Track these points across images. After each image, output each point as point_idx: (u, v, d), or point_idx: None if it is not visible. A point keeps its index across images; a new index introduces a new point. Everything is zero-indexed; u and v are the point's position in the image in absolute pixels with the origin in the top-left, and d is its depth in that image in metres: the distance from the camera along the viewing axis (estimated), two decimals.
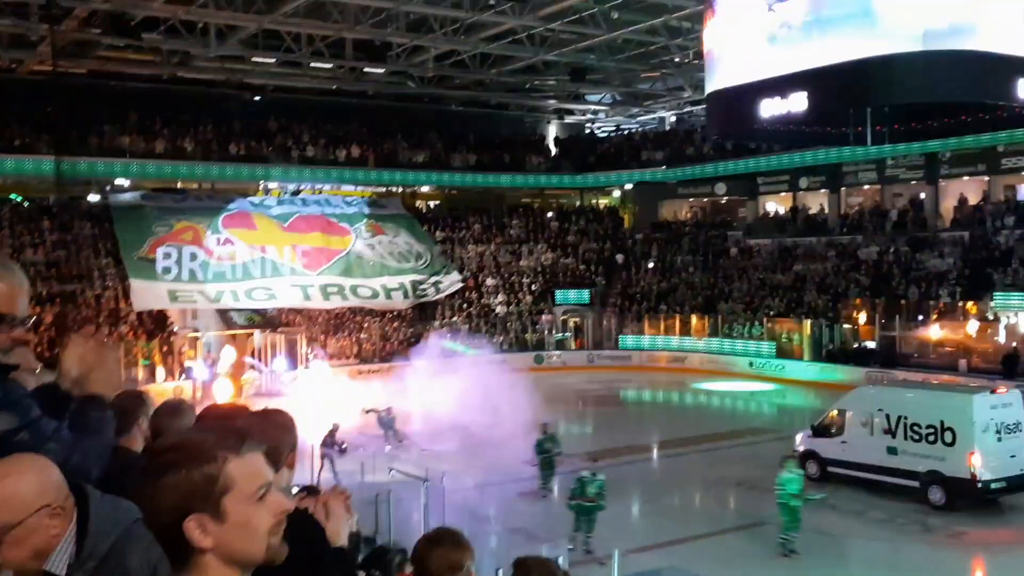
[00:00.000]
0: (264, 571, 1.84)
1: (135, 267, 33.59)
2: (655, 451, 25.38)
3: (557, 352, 40.92)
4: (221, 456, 1.76)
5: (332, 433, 20.71)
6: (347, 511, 3.10)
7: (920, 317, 33.61)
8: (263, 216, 37.34)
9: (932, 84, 18.77)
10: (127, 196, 38.35)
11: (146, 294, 32.87)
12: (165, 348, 33.33)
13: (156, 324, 34.41)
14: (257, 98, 41.57)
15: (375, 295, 35.89)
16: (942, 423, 18.06)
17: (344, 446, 20.83)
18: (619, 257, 46.01)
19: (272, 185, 43.04)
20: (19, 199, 38.36)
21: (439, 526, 4.13)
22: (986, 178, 37.49)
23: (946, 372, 29.52)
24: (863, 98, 19.79)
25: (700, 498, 20.71)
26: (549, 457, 19.71)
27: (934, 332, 32.73)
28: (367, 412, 24.76)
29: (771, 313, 37.75)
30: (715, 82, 19.96)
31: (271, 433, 2.76)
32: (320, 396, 27.86)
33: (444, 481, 15.98)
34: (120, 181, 39.97)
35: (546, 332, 41.69)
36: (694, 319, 39.86)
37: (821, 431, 20.52)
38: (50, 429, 2.57)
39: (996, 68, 17.89)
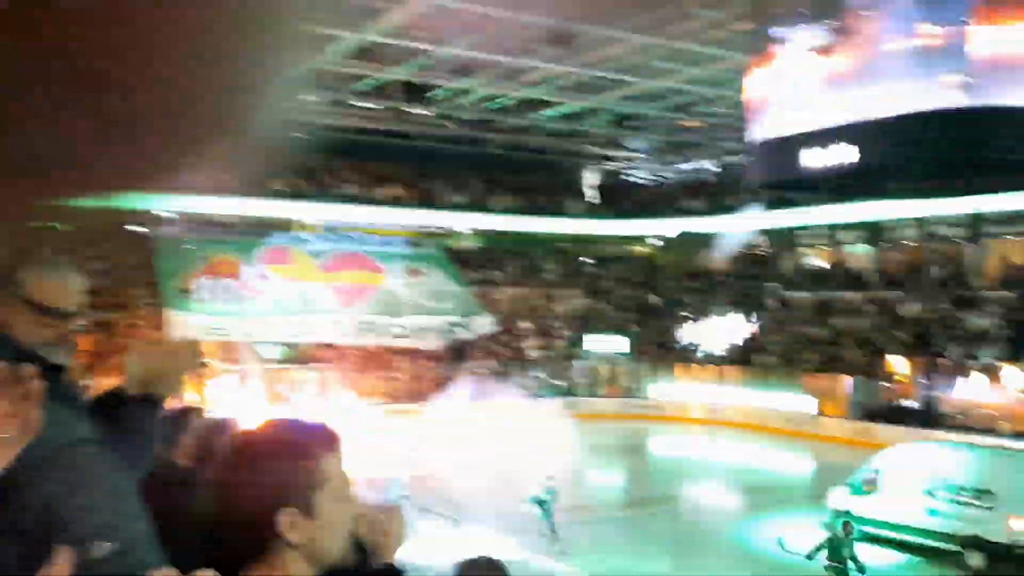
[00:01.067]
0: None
1: (172, 298, 33.90)
2: (681, 504, 24.90)
3: (588, 399, 40.53)
4: (318, 451, 1.78)
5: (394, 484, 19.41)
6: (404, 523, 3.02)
7: (961, 377, 32.91)
8: (301, 251, 37.62)
9: (978, 140, 18.53)
10: (167, 227, 38.86)
11: (181, 325, 33.08)
12: (196, 380, 33.40)
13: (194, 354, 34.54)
14: (298, 135, 41.97)
15: (408, 334, 35.89)
16: (983, 486, 17.58)
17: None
18: (651, 298, 45.79)
19: (311, 222, 43.39)
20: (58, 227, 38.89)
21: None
22: None
23: (987, 434, 28.78)
24: (909, 154, 19.56)
25: (739, 555, 20.20)
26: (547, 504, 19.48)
27: (976, 393, 32.02)
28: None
29: (808, 368, 37.15)
30: (760, 131, 19.83)
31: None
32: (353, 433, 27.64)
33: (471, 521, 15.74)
34: (162, 213, 40.47)
35: (579, 378, 41.38)
36: (729, 371, 39.32)
37: (857, 489, 20.04)
38: (96, 433, 2.47)
39: None
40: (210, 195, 39.38)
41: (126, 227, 40.45)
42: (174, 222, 39.23)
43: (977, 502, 17.60)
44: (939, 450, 20.47)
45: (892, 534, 19.00)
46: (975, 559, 17.50)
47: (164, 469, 3.44)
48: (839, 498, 20.32)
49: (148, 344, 2.85)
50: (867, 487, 19.82)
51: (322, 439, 1.80)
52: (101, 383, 3.13)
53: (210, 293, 34.42)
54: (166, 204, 39.57)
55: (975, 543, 17.47)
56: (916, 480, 18.77)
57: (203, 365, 33.90)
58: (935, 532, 18.10)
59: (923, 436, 28.45)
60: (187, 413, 3.88)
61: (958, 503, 17.87)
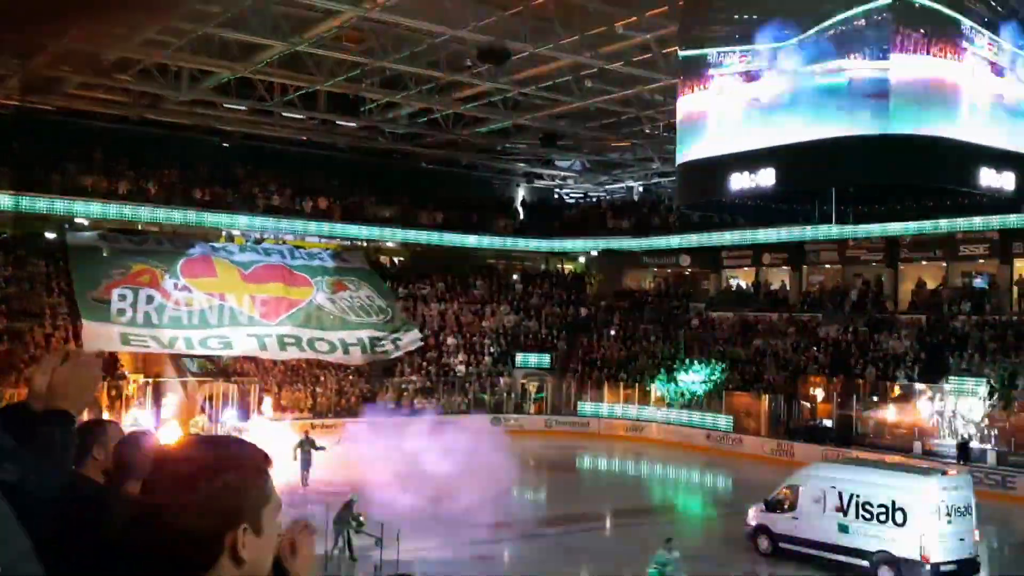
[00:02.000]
0: None
1: (88, 308, 32.96)
2: (608, 520, 25.01)
3: (515, 415, 40.53)
4: (265, 468, 1.75)
5: (349, 505, 18.75)
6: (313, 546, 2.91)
7: (876, 397, 33.80)
8: (224, 262, 36.96)
9: (896, 167, 19.05)
10: (85, 235, 37.74)
11: (98, 336, 32.18)
12: (113, 392, 32.49)
13: (105, 367, 33.59)
14: (225, 144, 41.36)
15: (333, 349, 35.48)
16: (894, 503, 18.02)
17: (361, 519, 18.69)
18: (583, 311, 46.22)
19: (235, 232, 42.61)
20: None
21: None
22: (944, 263, 38.14)
23: (901, 453, 29.57)
24: (828, 178, 20.04)
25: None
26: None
27: (890, 413, 32.90)
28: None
29: (730, 387, 37.76)
30: (686, 153, 20.14)
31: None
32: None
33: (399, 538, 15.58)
34: (80, 220, 39.34)
35: (505, 395, 41.35)
36: (654, 389, 39.73)
37: (773, 506, 20.38)
38: (7, 447, 2.35)
39: (960, 155, 18.21)
40: (132, 203, 38.51)
41: (41, 234, 39.23)
42: (92, 230, 38.12)
43: (888, 519, 18.02)
44: (852, 469, 20.93)
45: (807, 550, 19.36)
46: (885, 575, 17.90)
47: (78, 485, 3.30)
48: (755, 515, 20.64)
49: (54, 357, 2.74)
50: (783, 504, 20.17)
51: (263, 456, 1.76)
52: (7, 394, 3.02)
53: (129, 304, 33.60)
54: (84, 211, 38.49)
55: (886, 559, 17.88)
56: (829, 497, 19.17)
57: (116, 378, 33.03)
58: (848, 548, 18.50)
59: (840, 455, 29.12)
60: (99, 427, 3.75)
61: (869, 520, 18.29)
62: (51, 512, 2.07)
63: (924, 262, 38.91)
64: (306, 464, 25.32)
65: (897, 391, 33.49)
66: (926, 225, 33.80)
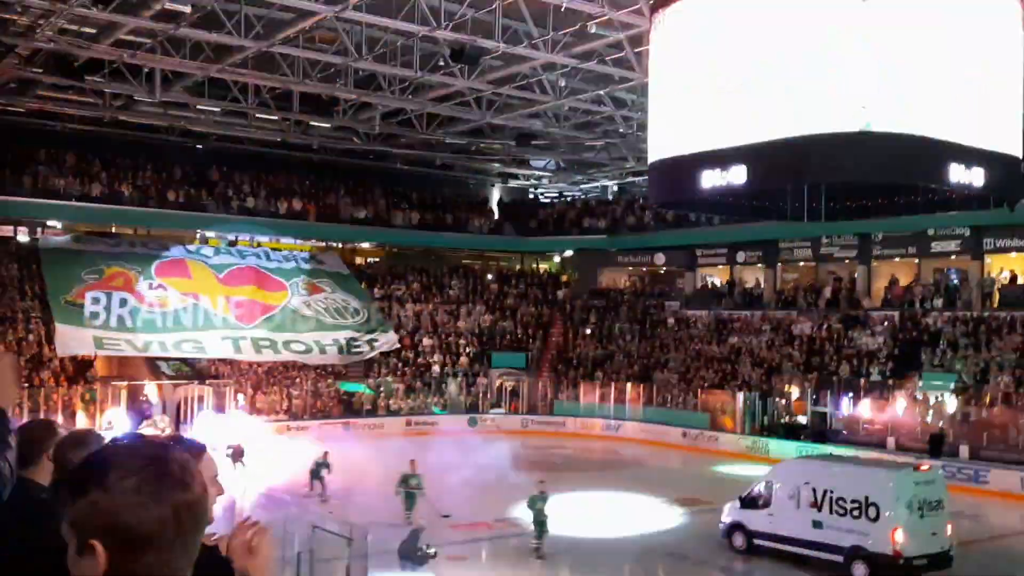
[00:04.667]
0: None
1: (62, 311, 32.70)
2: (578, 523, 25.03)
3: (491, 415, 40.56)
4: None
5: (415, 535, 17.81)
6: (271, 546, 2.87)
7: (850, 394, 34.07)
8: (198, 264, 36.78)
9: (866, 164, 19.19)
10: (58, 239, 37.49)
11: (71, 339, 31.96)
12: (87, 396, 32.25)
13: (78, 370, 33.36)
14: (199, 146, 41.13)
15: (308, 350, 35.38)
16: (866, 498, 18.15)
17: (433, 552, 17.56)
18: (560, 293, 46.52)
19: (210, 235, 42.42)
20: None
21: None
22: (916, 260, 38.50)
23: (875, 449, 29.83)
24: (799, 175, 20.15)
25: (629, 569, 20.41)
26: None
27: (864, 409, 33.18)
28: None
29: (706, 385, 37.97)
30: (657, 151, 20.21)
31: None
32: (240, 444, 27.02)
33: (369, 539, 15.55)
34: (53, 223, 39.03)
35: (481, 395, 41.39)
36: (629, 387, 39.87)
37: (748, 503, 20.48)
38: None
39: (929, 152, 18.35)
40: (105, 206, 38.22)
41: (13, 238, 38.88)
42: (65, 233, 37.84)
43: (861, 514, 18.16)
44: (825, 464, 21.09)
45: (781, 546, 19.48)
46: (859, 570, 18.05)
47: (26, 488, 3.28)
48: (730, 512, 20.75)
49: None
50: (758, 501, 20.29)
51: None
52: None
53: (103, 307, 33.36)
54: (57, 214, 38.19)
55: (860, 554, 18.03)
56: (803, 493, 19.30)
57: (88, 381, 32.76)
58: (822, 544, 18.63)
59: (813, 451, 29.35)
60: (50, 429, 3.71)
61: (843, 515, 18.43)
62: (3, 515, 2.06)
63: (897, 259, 39.27)
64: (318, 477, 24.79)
65: (871, 387, 33.77)
66: (898, 222, 34.07)
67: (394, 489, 21.39)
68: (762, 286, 43.04)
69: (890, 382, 33.44)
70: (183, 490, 1.60)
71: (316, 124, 37.40)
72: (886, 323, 36.47)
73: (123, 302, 33.87)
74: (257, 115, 36.14)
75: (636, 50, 25.46)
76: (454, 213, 48.17)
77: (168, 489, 1.58)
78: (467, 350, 43.07)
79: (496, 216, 51.44)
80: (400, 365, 40.94)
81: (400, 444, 31.23)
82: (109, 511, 1.55)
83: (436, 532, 19.46)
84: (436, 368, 41.63)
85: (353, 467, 25.28)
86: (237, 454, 25.63)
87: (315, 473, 24.50)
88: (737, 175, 18.04)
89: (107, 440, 3.71)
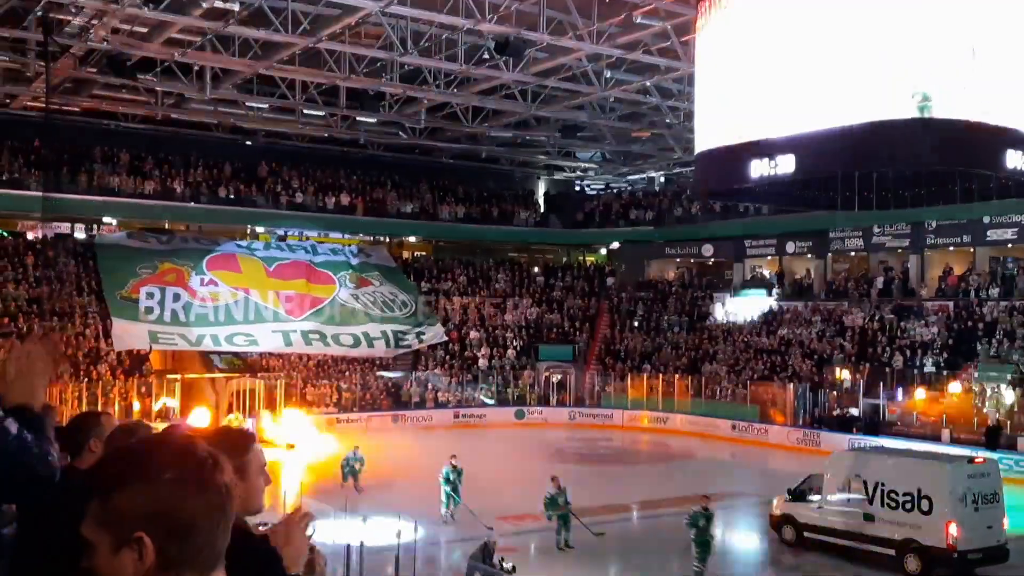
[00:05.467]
0: None
1: (117, 306, 33.30)
2: (634, 511, 25.01)
3: (539, 408, 40.62)
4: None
5: (485, 548, 16.61)
6: (306, 536, 2.94)
7: (904, 385, 33.52)
8: (248, 258, 37.20)
9: (921, 152, 18.89)
10: (113, 235, 38.22)
11: (127, 334, 32.55)
12: (143, 389, 32.89)
13: (134, 364, 34.02)
14: (249, 143, 41.68)
15: (357, 343, 35.62)
16: (919, 491, 17.84)
17: (512, 567, 16.53)
18: (609, 280, 46.25)
19: (259, 230, 43.00)
20: (4, 234, 38.16)
21: None
22: (971, 248, 37.73)
23: (929, 441, 29.32)
24: (851, 163, 19.90)
25: (677, 563, 20.31)
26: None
27: (918, 401, 32.63)
28: None
29: (755, 377, 37.62)
30: (704, 141, 20.08)
31: None
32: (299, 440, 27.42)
33: (417, 531, 15.68)
34: (107, 220, 39.84)
35: (528, 387, 41.40)
36: (677, 380, 39.64)
37: (798, 495, 20.28)
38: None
39: (985, 138, 18.03)
40: (158, 202, 38.93)
41: (71, 235, 39.76)
42: (120, 230, 38.60)
43: (914, 507, 17.87)
44: (877, 457, 20.79)
45: (831, 539, 19.25)
46: (912, 563, 17.78)
47: (71, 477, 3.35)
48: (780, 505, 20.55)
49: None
50: (808, 493, 20.08)
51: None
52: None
53: (156, 302, 33.91)
54: (112, 211, 38.98)
55: (912, 548, 17.75)
56: (854, 486, 19.04)
57: (144, 375, 33.42)
58: (873, 537, 18.37)
59: (867, 443, 28.95)
60: (95, 419, 3.78)
61: (895, 508, 18.15)
62: (45, 507, 2.11)
63: (951, 248, 38.51)
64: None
65: (925, 379, 33.20)
66: (952, 210, 33.39)
67: (544, 515, 20.09)
68: (812, 276, 42.51)
69: (945, 373, 32.84)
70: (218, 477, 1.64)
71: (363, 119, 37.70)
72: (940, 313, 35.82)
73: (176, 297, 34.36)
74: (304, 111, 36.52)
75: (682, 39, 25.28)
76: (500, 206, 48.24)
77: (206, 477, 1.62)
78: (514, 343, 43.14)
79: (542, 209, 51.42)
80: (447, 358, 41.14)
81: (447, 436, 31.41)
82: (154, 501, 1.56)
83: (483, 523, 19.54)
84: (483, 361, 41.76)
85: (400, 459, 25.49)
86: (287, 446, 25.94)
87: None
88: (786, 165, 17.88)
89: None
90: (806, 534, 19.74)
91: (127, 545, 1.55)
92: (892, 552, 17.97)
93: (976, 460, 19.21)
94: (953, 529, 17.26)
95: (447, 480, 21.16)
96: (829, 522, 19.27)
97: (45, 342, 3.05)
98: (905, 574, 17.67)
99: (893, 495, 18.21)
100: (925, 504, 17.70)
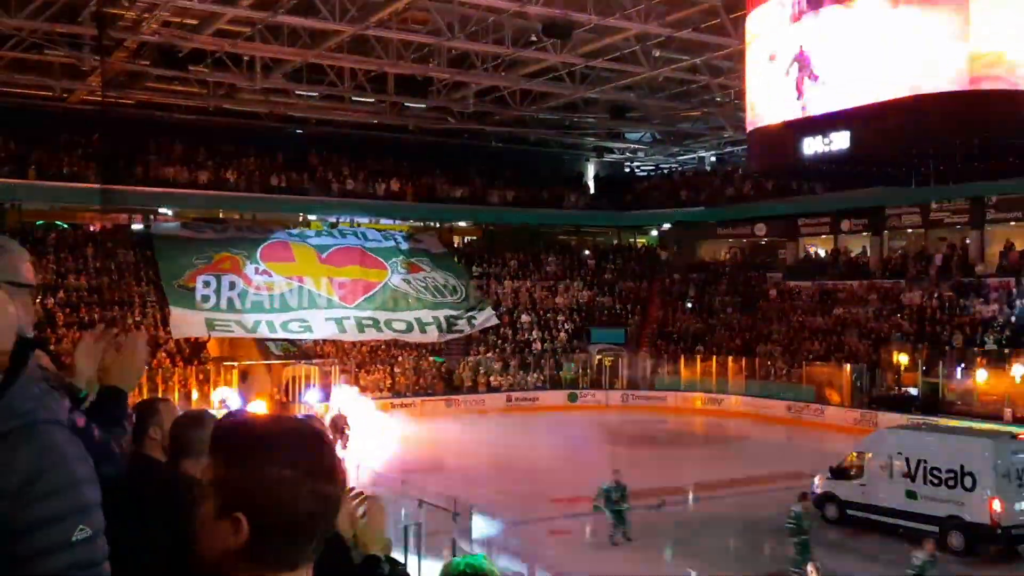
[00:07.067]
0: None
1: (175, 295, 33.97)
2: (690, 493, 24.89)
3: (592, 391, 40.58)
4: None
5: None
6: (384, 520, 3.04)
7: (964, 364, 32.86)
8: (301, 246, 37.67)
9: (978, 124, 18.44)
10: (169, 225, 38.94)
11: (184, 322, 33.20)
12: (201, 376, 33.50)
13: (192, 351, 34.64)
14: (299, 131, 42.06)
15: (409, 328, 35.92)
16: (962, 467, 17.73)
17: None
18: (662, 253, 45.89)
19: (311, 217, 43.45)
20: (64, 226, 39.02)
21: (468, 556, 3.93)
22: None
23: (990, 421, 28.71)
24: (906, 138, 19.49)
25: (734, 543, 20.21)
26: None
27: (979, 379, 31.98)
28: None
29: (811, 357, 37.14)
30: (756, 119, 19.80)
31: None
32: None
33: (473, 514, 15.77)
34: (163, 211, 40.53)
35: (581, 370, 41.36)
36: (731, 361, 39.29)
37: (840, 473, 20.18)
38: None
39: None
40: (213, 193, 39.51)
41: (128, 226, 40.53)
42: (175, 220, 39.28)
43: (957, 484, 17.68)
44: (919, 434, 20.52)
45: (874, 516, 19.12)
46: (956, 540, 17.59)
47: (139, 462, 3.42)
48: (822, 482, 20.44)
49: (92, 338, 2.86)
50: (850, 471, 19.97)
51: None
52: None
53: (213, 290, 34.50)
54: (167, 201, 39.64)
55: (956, 524, 17.57)
56: (896, 464, 18.88)
57: (202, 362, 34.01)
58: (916, 514, 18.19)
59: (925, 423, 28.46)
60: (155, 406, 3.83)
61: (937, 485, 17.96)
62: (113, 490, 2.15)
63: (1012, 223, 37.55)
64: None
65: (985, 356, 32.51)
66: (1013, 184, 32.54)
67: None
68: (868, 254, 41.79)
69: (1006, 351, 32.11)
70: (331, 489, 1.61)
71: (411, 105, 37.83)
72: (1001, 290, 35.00)
73: (232, 285, 34.92)
74: (354, 98, 36.73)
75: (732, 16, 24.92)
76: (550, 189, 48.13)
77: (321, 487, 1.59)
78: (565, 326, 43.10)
79: (592, 191, 51.19)
80: (499, 342, 41.25)
81: (500, 420, 31.51)
82: (267, 491, 1.54)
83: (536, 506, 19.60)
84: (536, 345, 41.80)
85: (455, 443, 25.63)
86: (339, 427, 26.13)
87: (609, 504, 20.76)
88: (840, 141, 17.58)
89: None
90: (849, 511, 19.65)
91: (228, 518, 1.55)
92: (935, 529, 17.74)
93: (1020, 436, 18.98)
94: (996, 505, 17.06)
95: (608, 499, 19.03)
96: (871, 499, 19.19)
97: (142, 334, 3.14)
98: (949, 551, 17.46)
99: (935, 472, 18.08)
100: (968, 481, 17.56)
